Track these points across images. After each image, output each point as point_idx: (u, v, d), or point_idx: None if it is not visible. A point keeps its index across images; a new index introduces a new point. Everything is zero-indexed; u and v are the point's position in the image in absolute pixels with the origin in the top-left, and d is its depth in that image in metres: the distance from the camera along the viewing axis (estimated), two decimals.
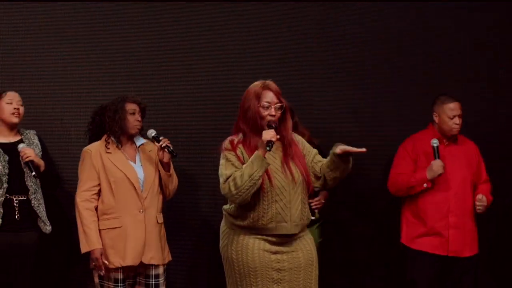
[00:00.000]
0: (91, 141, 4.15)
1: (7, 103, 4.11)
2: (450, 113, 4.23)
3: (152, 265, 4.02)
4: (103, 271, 3.94)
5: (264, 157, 3.33)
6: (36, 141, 4.19)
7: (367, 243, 4.78)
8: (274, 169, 3.45)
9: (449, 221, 4.16)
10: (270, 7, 4.89)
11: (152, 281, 4.04)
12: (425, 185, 4.17)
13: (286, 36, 4.89)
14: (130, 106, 4.08)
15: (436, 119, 4.31)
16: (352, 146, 4.69)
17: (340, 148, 3.42)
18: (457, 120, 4.21)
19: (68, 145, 4.83)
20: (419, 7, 4.77)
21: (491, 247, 4.45)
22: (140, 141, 4.14)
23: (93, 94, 4.87)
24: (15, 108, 4.11)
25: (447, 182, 4.18)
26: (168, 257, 4.14)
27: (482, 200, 4.19)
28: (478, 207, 4.19)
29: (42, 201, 4.11)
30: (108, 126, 4.05)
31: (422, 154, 4.27)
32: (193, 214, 4.85)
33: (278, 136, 3.37)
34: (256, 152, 3.36)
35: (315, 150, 3.63)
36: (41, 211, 4.08)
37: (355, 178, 4.74)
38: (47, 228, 4.10)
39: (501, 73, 4.67)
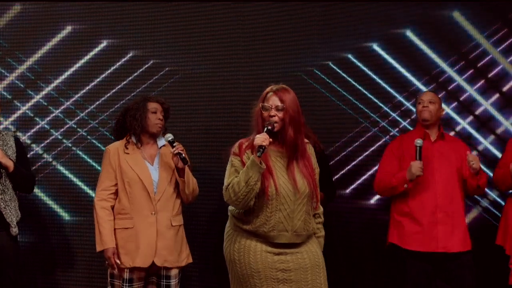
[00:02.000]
0: (116, 140, 4.17)
1: None
2: (419, 99, 4.31)
3: (164, 267, 4.04)
4: (116, 270, 3.98)
5: (260, 162, 3.31)
6: (11, 142, 4.16)
7: (365, 241, 4.78)
8: (280, 176, 3.44)
9: (437, 217, 4.14)
10: (275, 7, 4.91)
11: (163, 282, 4.06)
12: (405, 185, 4.15)
13: (290, 36, 4.89)
14: (152, 105, 4.09)
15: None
16: (357, 147, 4.79)
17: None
18: (425, 104, 4.24)
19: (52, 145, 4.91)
20: (424, 6, 4.77)
21: (484, 244, 4.42)
22: (162, 141, 4.13)
23: (96, 95, 4.95)
24: None
25: (434, 178, 4.16)
26: (187, 259, 4.14)
27: (469, 155, 4.09)
28: (471, 163, 4.05)
29: (10, 203, 4.07)
30: (129, 125, 4.06)
31: (407, 153, 4.24)
32: (209, 215, 4.88)
33: (271, 140, 3.35)
34: (251, 157, 3.35)
35: (317, 170, 3.60)
36: (7, 212, 4.04)
37: (357, 177, 4.81)
38: (13, 230, 4.07)
39: None
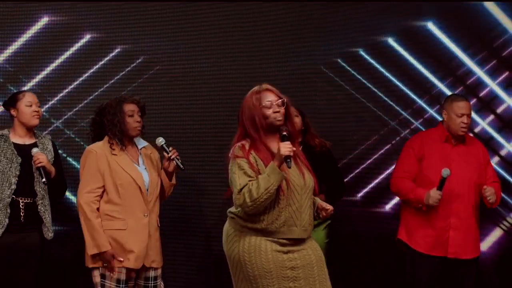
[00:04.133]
0: (94, 142, 4.08)
1: (27, 106, 4.10)
2: (458, 111, 4.16)
3: (152, 268, 4.02)
4: (115, 271, 3.92)
5: (280, 169, 3.30)
6: (50, 146, 4.18)
7: (374, 243, 4.69)
8: (289, 171, 3.39)
9: (450, 222, 4.09)
10: (270, 7, 4.87)
11: (151, 283, 4.03)
12: (420, 205, 4.10)
13: (287, 37, 4.84)
14: (128, 108, 4.01)
15: (445, 117, 4.23)
16: (357, 146, 4.78)
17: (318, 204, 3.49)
18: (465, 119, 4.15)
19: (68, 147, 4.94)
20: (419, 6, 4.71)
21: (495, 248, 4.43)
22: (141, 143, 4.09)
23: (90, 95, 4.96)
24: (35, 111, 4.12)
25: (450, 183, 4.05)
26: (162, 260, 4.12)
27: (487, 190, 4.06)
28: (488, 198, 4.05)
29: (48, 207, 4.10)
30: (108, 130, 3.99)
31: (428, 153, 4.19)
32: (194, 216, 4.85)
33: (295, 149, 3.34)
34: (271, 164, 3.31)
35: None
36: (46, 217, 4.07)
37: (363, 178, 4.74)
38: (49, 234, 4.10)
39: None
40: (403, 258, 4.24)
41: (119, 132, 3.96)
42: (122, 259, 3.91)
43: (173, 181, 4.08)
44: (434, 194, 3.99)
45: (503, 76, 4.64)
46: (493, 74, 4.65)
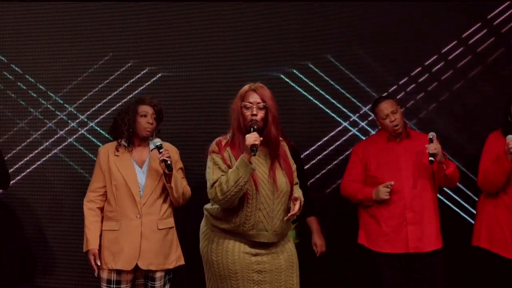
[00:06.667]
0: (114, 140, 4.16)
1: None
2: (382, 114, 4.21)
3: (149, 270, 4.03)
4: (96, 271, 4.00)
5: (250, 162, 3.32)
6: None
7: (346, 242, 4.70)
8: (261, 176, 3.44)
9: (406, 217, 4.10)
10: (263, 7, 4.92)
11: (149, 283, 4.07)
12: (370, 203, 4.15)
13: (268, 37, 4.90)
14: (143, 108, 4.07)
15: (377, 121, 4.31)
16: (335, 147, 4.83)
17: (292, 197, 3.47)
18: (391, 118, 4.16)
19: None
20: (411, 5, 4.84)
21: (459, 241, 4.43)
22: (153, 145, 4.09)
23: (77, 96, 4.92)
24: None
25: (402, 179, 4.12)
26: (177, 262, 4.11)
27: (430, 147, 4.00)
28: (430, 151, 3.98)
29: None
30: (118, 128, 4.08)
31: (374, 155, 4.24)
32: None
33: (261, 138, 3.36)
34: (241, 157, 3.34)
35: (295, 166, 3.63)
36: None
37: (335, 177, 4.77)
38: None
39: None
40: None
41: (127, 131, 4.04)
42: (99, 263, 3.97)
43: (173, 183, 3.99)
44: (382, 189, 4.04)
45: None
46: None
